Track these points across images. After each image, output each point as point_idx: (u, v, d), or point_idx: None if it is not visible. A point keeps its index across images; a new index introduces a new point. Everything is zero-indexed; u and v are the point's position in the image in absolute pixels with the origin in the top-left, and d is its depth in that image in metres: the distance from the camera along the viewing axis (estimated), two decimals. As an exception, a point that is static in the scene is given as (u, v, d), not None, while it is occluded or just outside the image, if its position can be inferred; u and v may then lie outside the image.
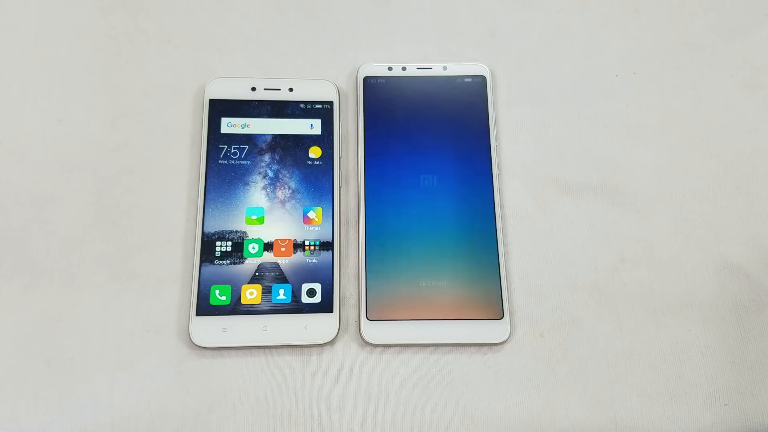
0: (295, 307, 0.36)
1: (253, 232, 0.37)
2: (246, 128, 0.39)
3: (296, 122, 0.40)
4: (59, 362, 0.35)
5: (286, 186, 0.38)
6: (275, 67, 0.42)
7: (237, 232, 0.37)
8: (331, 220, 0.38)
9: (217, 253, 0.37)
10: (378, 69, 0.41)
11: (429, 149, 0.39)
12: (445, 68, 0.41)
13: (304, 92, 0.40)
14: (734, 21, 0.44)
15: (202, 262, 0.36)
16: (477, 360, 0.36)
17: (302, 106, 0.40)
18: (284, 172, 0.39)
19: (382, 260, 0.37)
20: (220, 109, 0.39)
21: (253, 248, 0.37)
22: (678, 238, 0.39)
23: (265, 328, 0.35)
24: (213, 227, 0.37)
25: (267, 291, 0.36)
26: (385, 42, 0.43)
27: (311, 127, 0.40)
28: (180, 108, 0.41)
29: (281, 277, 0.36)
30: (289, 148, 0.39)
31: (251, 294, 0.36)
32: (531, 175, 0.40)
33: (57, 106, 0.41)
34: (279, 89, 0.40)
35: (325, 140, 0.39)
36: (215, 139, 0.39)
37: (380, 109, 0.40)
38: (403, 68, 0.41)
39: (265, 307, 0.36)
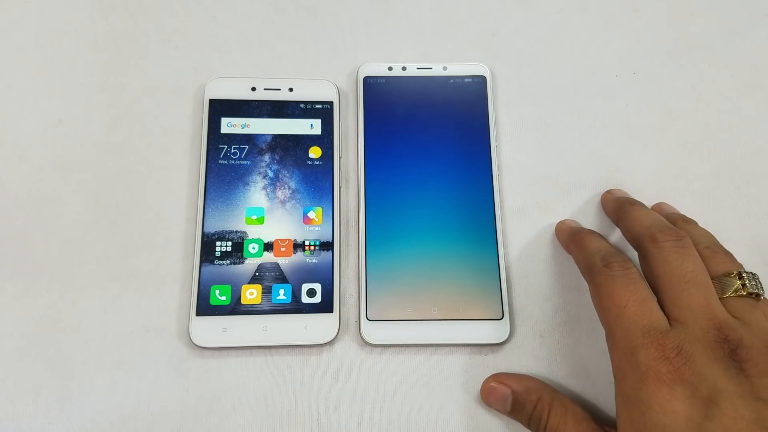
0: (295, 307, 0.36)
1: (253, 232, 0.37)
2: (246, 128, 0.39)
3: (296, 122, 0.40)
4: (59, 362, 0.35)
5: (286, 186, 0.38)
6: (275, 67, 0.42)
7: (237, 232, 0.37)
8: (331, 220, 0.38)
9: (217, 253, 0.37)
10: (378, 69, 0.41)
11: (429, 149, 0.39)
12: (445, 68, 0.41)
13: (304, 92, 0.40)
14: (734, 21, 0.44)
15: (202, 262, 0.36)
16: (477, 360, 0.36)
17: (302, 106, 0.40)
18: (284, 172, 0.39)
19: (382, 260, 0.37)
20: (220, 109, 0.39)
21: (253, 248, 0.37)
22: (678, 238, 0.39)
23: (265, 328, 0.35)
24: (213, 227, 0.37)
25: (267, 291, 0.36)
26: (385, 42, 0.43)
27: (311, 127, 0.40)
28: (180, 108, 0.41)
29: (281, 277, 0.36)
30: (289, 148, 0.39)
31: (251, 294, 0.36)
32: (531, 175, 0.40)
33: (57, 106, 0.41)
34: (279, 89, 0.40)
35: (325, 140, 0.39)
36: (215, 139, 0.39)
37: (380, 109, 0.40)
38: (403, 68, 0.41)
39: (265, 307, 0.36)
